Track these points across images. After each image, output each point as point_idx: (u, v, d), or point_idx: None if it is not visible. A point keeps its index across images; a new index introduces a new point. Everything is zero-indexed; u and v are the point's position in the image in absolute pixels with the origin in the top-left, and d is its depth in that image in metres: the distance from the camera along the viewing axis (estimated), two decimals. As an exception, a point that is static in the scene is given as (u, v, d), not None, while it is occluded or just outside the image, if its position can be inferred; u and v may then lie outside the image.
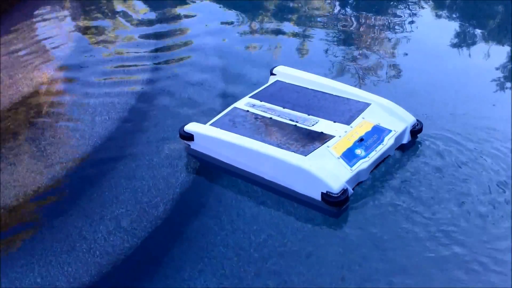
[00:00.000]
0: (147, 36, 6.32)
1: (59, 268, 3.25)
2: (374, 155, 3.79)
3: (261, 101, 4.46)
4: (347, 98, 4.39)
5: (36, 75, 5.38)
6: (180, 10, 7.09)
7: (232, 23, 6.69)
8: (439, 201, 3.61)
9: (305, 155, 3.69)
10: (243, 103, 4.44)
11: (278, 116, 4.23)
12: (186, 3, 7.29)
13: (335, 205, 3.54)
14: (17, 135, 4.50)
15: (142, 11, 7.07)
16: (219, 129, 4.08)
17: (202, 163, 4.13)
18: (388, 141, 3.91)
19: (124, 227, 3.51)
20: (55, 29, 6.59)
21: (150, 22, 6.68)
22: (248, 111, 4.33)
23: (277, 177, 3.77)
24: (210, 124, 4.17)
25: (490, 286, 3.04)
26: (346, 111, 4.20)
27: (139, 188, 3.85)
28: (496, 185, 3.73)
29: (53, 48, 6.06)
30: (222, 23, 6.71)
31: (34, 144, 4.35)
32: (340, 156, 3.71)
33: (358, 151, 3.77)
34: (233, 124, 4.15)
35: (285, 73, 4.79)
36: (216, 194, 3.86)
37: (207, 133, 4.06)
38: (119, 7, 7.27)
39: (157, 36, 6.32)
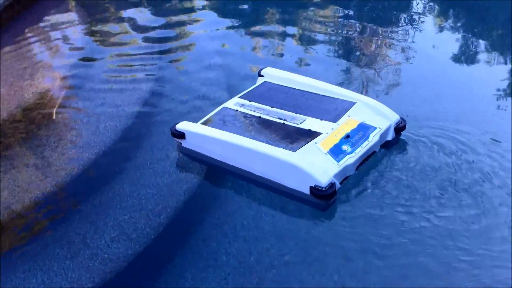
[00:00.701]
0: (151, 42, 6.36)
1: (62, 274, 3.25)
2: (360, 151, 3.93)
3: (250, 101, 4.60)
4: (333, 98, 4.54)
5: (41, 81, 5.41)
6: (184, 16, 7.12)
7: (233, 27, 6.72)
8: (421, 191, 3.79)
9: (294, 151, 3.82)
10: (233, 103, 4.58)
11: (267, 115, 4.37)
12: (191, 10, 7.32)
13: (323, 199, 3.67)
14: (22, 140, 4.51)
15: (147, 18, 7.10)
16: (209, 127, 4.21)
17: (208, 169, 4.15)
18: (373, 138, 4.07)
19: (128, 234, 3.51)
20: (62, 36, 6.64)
21: (155, 28, 6.71)
22: (237, 110, 4.47)
23: (267, 172, 3.89)
24: (201, 123, 4.30)
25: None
26: (333, 110, 4.36)
27: (142, 195, 3.86)
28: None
29: (59, 54, 6.10)
30: (226, 28, 6.75)
31: (38, 150, 4.36)
32: (328, 152, 3.86)
33: (345, 147, 3.93)
34: (223, 122, 4.29)
35: (273, 75, 4.95)
36: (219, 201, 3.86)
37: (198, 131, 4.18)
38: (125, 13, 7.29)
39: (161, 40, 6.36)
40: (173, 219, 3.67)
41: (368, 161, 4.03)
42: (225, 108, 4.51)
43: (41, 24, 6.95)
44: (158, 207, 3.75)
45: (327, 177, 3.65)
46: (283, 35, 6.57)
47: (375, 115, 4.30)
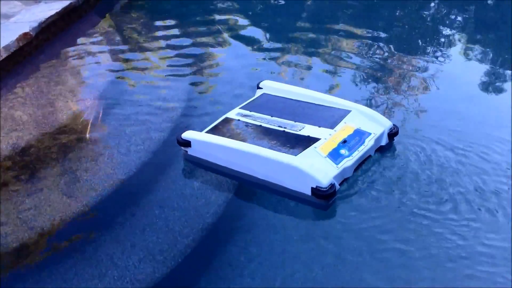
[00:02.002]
0: (182, 64, 6.46)
1: (90, 294, 3.31)
2: (357, 154, 4.21)
3: (250, 111, 4.87)
4: (329, 106, 4.83)
5: (73, 103, 5.52)
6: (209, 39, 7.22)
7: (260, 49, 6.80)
8: (415, 192, 4.08)
9: (295, 155, 4.09)
10: (234, 113, 4.85)
11: (267, 123, 4.64)
12: (217, 33, 7.41)
13: (324, 198, 3.93)
14: (53, 161, 4.60)
15: (178, 39, 7.21)
16: (214, 135, 4.48)
17: (237, 192, 4.21)
18: (369, 143, 4.35)
19: (154, 256, 3.56)
20: (94, 58, 6.76)
21: (185, 49, 6.82)
22: (239, 120, 4.74)
23: (270, 175, 4.15)
24: (205, 132, 4.58)
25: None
26: (329, 117, 4.64)
27: (170, 217, 3.90)
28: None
29: (92, 76, 6.21)
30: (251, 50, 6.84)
31: (70, 170, 4.45)
32: (327, 156, 4.12)
33: (343, 151, 4.20)
34: (226, 131, 4.57)
35: (271, 87, 5.24)
36: (246, 225, 3.89)
37: (203, 139, 4.45)
38: (156, 35, 7.42)
39: (191, 64, 6.45)
40: (199, 241, 3.70)
41: (364, 164, 4.33)
42: (227, 118, 4.78)
43: (75, 46, 7.08)
44: (185, 229, 3.79)
45: (327, 179, 3.90)
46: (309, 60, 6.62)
47: (369, 121, 4.58)
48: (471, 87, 5.84)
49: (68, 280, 3.41)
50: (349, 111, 4.69)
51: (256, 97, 5.17)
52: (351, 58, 6.51)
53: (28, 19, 6.95)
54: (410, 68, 6.28)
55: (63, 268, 3.52)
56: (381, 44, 6.91)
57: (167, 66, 6.53)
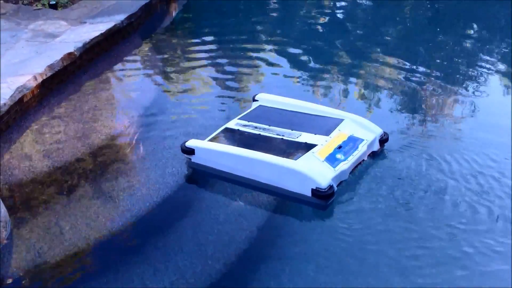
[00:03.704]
0: (223, 87, 6.55)
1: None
2: (352, 158, 4.52)
3: (248, 121, 5.14)
4: (323, 116, 5.14)
5: (113, 123, 5.62)
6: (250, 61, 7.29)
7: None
8: (407, 193, 4.40)
9: (295, 160, 4.38)
10: (233, 124, 5.13)
11: (266, 132, 4.92)
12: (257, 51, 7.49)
13: (323, 199, 4.22)
14: (92, 179, 4.69)
15: (218, 61, 7.30)
16: (217, 143, 4.77)
17: (268, 219, 4.23)
18: (362, 148, 4.68)
19: (187, 279, 3.58)
20: (135, 78, 6.88)
21: (224, 71, 6.90)
22: (238, 129, 5.02)
23: (272, 179, 4.42)
24: (207, 141, 4.84)
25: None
26: (324, 125, 4.93)
27: (203, 240, 3.93)
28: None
29: (132, 97, 6.32)
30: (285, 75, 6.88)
31: (107, 190, 4.52)
32: (324, 160, 4.42)
33: (339, 156, 4.51)
34: (227, 139, 4.87)
35: (266, 99, 5.54)
36: (277, 253, 3.87)
37: (207, 147, 4.72)
38: (195, 57, 7.53)
39: (231, 87, 6.52)
40: (231, 266, 3.72)
41: (358, 168, 4.64)
42: (226, 128, 5.06)
43: (117, 67, 7.22)
44: (216, 253, 3.81)
45: (326, 180, 4.20)
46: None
47: (361, 129, 4.90)
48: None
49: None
50: (342, 120, 5.00)
51: (253, 109, 5.46)
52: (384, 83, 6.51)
53: (73, 39, 7.12)
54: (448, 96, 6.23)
55: (96, 286, 3.57)
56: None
57: (207, 88, 6.64)
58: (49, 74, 6.24)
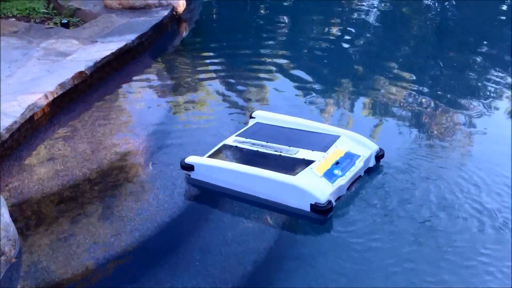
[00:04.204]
0: (234, 106, 6.63)
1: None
2: (349, 174, 4.60)
3: (246, 138, 5.22)
4: (320, 132, 5.22)
5: (122, 142, 5.65)
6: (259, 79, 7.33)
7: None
8: (403, 206, 4.50)
9: (294, 175, 4.44)
10: (231, 140, 5.19)
11: (264, 148, 5.00)
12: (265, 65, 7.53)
13: (322, 214, 4.27)
14: (100, 197, 4.71)
15: (226, 80, 7.34)
16: (215, 159, 4.82)
17: (277, 241, 4.22)
18: (359, 164, 4.76)
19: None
20: (146, 98, 6.93)
21: (234, 89, 6.94)
22: (236, 146, 5.07)
23: (271, 194, 4.47)
24: (206, 157, 4.89)
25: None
26: (321, 142, 5.02)
27: (211, 262, 3.92)
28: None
29: (143, 116, 6.36)
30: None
31: (116, 209, 4.54)
32: (322, 175, 4.49)
33: (336, 171, 4.58)
34: (226, 156, 4.93)
35: (264, 116, 5.64)
36: (284, 277, 3.86)
37: (206, 163, 4.78)
38: (205, 76, 7.58)
39: (242, 107, 6.56)
40: (238, 288, 3.73)
41: (355, 184, 4.72)
42: (224, 145, 5.11)
43: (127, 86, 7.27)
44: (224, 275, 3.81)
45: (325, 195, 4.26)
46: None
47: (357, 145, 5.00)
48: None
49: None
50: (338, 136, 5.09)
51: (250, 126, 5.55)
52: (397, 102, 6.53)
53: (84, 58, 7.19)
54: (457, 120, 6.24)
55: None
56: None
57: (216, 108, 6.70)
58: (60, 92, 6.30)
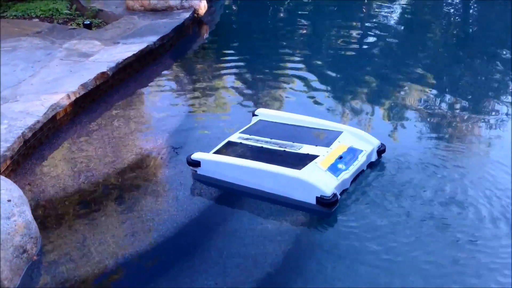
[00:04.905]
0: (251, 108, 6.57)
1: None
2: (353, 168, 4.73)
3: (250, 135, 5.32)
4: (322, 129, 5.35)
5: (142, 142, 5.71)
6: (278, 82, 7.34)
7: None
8: (404, 199, 4.63)
9: (300, 169, 4.52)
10: (236, 137, 5.30)
11: (268, 144, 5.10)
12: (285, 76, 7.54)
13: (328, 206, 4.37)
14: (120, 198, 4.76)
15: (246, 83, 7.37)
16: (221, 155, 4.93)
17: (296, 240, 4.21)
18: (361, 158, 4.89)
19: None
20: (164, 100, 6.98)
21: (254, 98, 6.96)
22: (241, 142, 5.18)
23: (277, 189, 4.57)
24: (213, 153, 5.02)
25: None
26: (324, 138, 5.16)
27: (231, 264, 3.94)
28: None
29: (161, 118, 6.39)
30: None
31: (136, 209, 4.58)
32: (327, 169, 4.60)
33: (340, 165, 4.69)
34: (231, 152, 5.01)
35: (266, 114, 5.78)
36: (303, 279, 3.86)
37: (213, 159, 4.88)
38: (224, 80, 7.62)
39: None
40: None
41: (358, 178, 4.84)
42: (229, 141, 5.22)
43: (148, 87, 7.33)
44: (241, 276, 3.82)
45: (330, 189, 4.37)
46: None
47: (359, 140, 5.11)
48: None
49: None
50: (341, 132, 5.21)
51: (253, 123, 5.64)
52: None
53: (106, 59, 7.26)
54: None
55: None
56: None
57: (236, 109, 6.74)
58: (82, 92, 6.37)
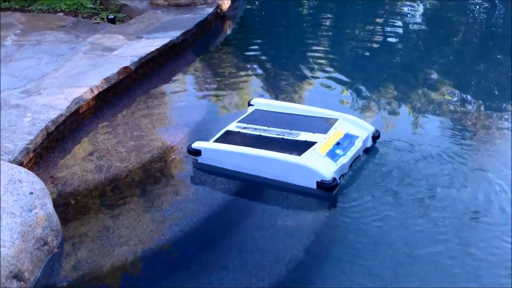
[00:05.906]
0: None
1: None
2: (350, 153, 4.88)
3: (247, 124, 5.46)
4: (318, 116, 5.51)
5: (165, 136, 5.72)
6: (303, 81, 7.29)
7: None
8: (398, 183, 4.79)
9: (299, 155, 4.68)
10: (233, 126, 5.43)
11: (266, 133, 5.23)
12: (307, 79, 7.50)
13: (328, 190, 4.54)
14: (142, 191, 4.77)
15: (269, 81, 7.34)
16: (222, 143, 5.05)
17: (316, 237, 4.19)
18: (358, 144, 5.05)
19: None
20: (187, 95, 6.98)
21: (278, 93, 6.92)
22: (239, 131, 5.31)
23: (278, 174, 4.72)
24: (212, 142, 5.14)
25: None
26: (321, 125, 5.30)
27: (248, 259, 3.92)
28: None
29: (184, 112, 6.40)
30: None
31: (157, 203, 4.59)
32: (326, 155, 4.75)
33: (338, 151, 4.84)
34: (230, 140, 5.12)
35: (262, 103, 5.91)
36: (321, 275, 3.84)
37: (213, 147, 5.02)
38: (248, 72, 7.60)
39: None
40: (274, 286, 3.71)
41: (355, 162, 5.01)
42: (228, 131, 5.34)
43: (171, 82, 7.34)
44: (262, 272, 3.80)
45: (330, 173, 4.54)
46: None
47: (355, 127, 5.29)
48: None
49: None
50: (336, 119, 5.37)
51: (250, 113, 5.78)
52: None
53: (129, 54, 7.28)
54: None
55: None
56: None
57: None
58: (105, 86, 6.39)
